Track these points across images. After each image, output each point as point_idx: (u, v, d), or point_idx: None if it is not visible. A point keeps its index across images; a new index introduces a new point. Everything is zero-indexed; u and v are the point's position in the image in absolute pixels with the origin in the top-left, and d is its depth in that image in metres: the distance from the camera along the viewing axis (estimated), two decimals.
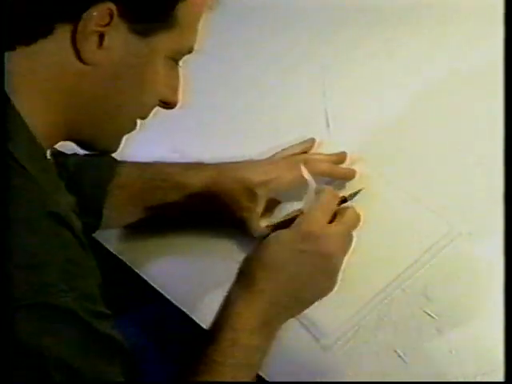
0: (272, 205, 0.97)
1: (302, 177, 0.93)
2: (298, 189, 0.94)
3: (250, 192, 0.93)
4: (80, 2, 0.64)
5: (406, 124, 1.07)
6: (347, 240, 0.76)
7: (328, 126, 1.08)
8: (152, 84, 0.73)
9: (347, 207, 0.78)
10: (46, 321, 0.59)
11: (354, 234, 0.77)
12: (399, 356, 0.82)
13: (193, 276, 0.95)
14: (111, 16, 0.65)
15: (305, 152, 1.01)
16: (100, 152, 0.78)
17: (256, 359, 0.72)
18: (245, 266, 0.75)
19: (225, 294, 0.75)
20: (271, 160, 0.99)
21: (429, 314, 0.85)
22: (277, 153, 1.00)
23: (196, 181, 0.93)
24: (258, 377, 0.80)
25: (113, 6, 0.65)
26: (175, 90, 0.76)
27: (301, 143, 1.02)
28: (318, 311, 0.83)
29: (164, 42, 0.70)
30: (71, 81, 0.68)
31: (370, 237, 0.88)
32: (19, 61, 0.66)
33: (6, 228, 0.59)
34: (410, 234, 0.93)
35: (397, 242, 0.92)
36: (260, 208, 0.94)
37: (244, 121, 1.12)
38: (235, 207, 0.94)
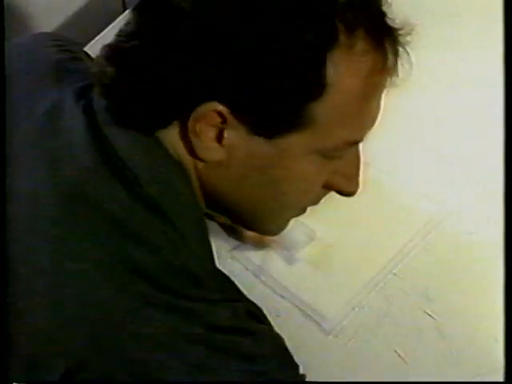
0: None
1: None
2: None
3: None
4: (183, 102, 0.59)
5: (406, 123, 1.07)
6: None
7: None
8: (293, 183, 0.65)
9: None
10: None
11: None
12: (399, 356, 0.82)
13: None
14: (221, 116, 0.59)
15: None
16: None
17: None
18: None
19: None
20: None
21: (429, 314, 0.85)
22: None
23: None
24: None
25: (221, 107, 0.58)
26: (347, 177, 0.69)
27: None
28: (317, 297, 0.86)
29: (298, 142, 0.61)
30: (201, 175, 0.64)
31: (364, 221, 0.93)
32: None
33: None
34: (401, 217, 0.95)
35: (388, 225, 0.94)
36: None
37: None
38: None
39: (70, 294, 0.57)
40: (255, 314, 0.65)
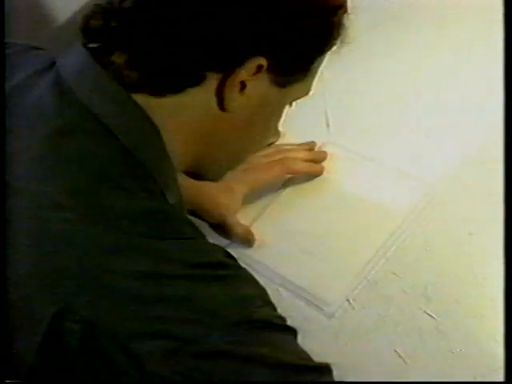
0: (248, 201, 0.98)
1: (277, 176, 0.98)
2: (272, 186, 0.99)
3: (229, 190, 0.95)
4: (237, 55, 0.63)
5: (406, 124, 1.07)
6: None
7: (328, 126, 1.08)
8: (276, 127, 0.75)
9: None
10: (259, 333, 0.59)
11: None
12: (399, 356, 0.82)
13: None
14: (259, 69, 0.64)
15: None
16: (204, 180, 0.78)
17: None
18: None
19: None
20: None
21: (429, 314, 0.85)
22: None
23: None
24: None
25: (264, 62, 0.64)
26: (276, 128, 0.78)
27: None
28: (317, 284, 0.88)
29: (296, 91, 0.70)
30: (209, 124, 0.68)
31: (356, 207, 0.95)
32: (166, 105, 0.65)
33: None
34: (391, 200, 0.97)
35: (380, 209, 0.96)
36: (238, 205, 0.96)
37: None
38: (213, 205, 0.95)
39: (53, 242, 0.58)
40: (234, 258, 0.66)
